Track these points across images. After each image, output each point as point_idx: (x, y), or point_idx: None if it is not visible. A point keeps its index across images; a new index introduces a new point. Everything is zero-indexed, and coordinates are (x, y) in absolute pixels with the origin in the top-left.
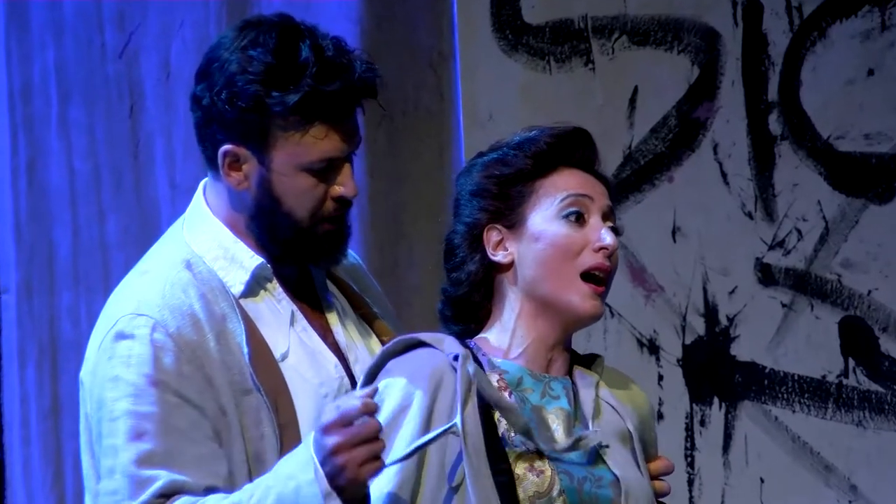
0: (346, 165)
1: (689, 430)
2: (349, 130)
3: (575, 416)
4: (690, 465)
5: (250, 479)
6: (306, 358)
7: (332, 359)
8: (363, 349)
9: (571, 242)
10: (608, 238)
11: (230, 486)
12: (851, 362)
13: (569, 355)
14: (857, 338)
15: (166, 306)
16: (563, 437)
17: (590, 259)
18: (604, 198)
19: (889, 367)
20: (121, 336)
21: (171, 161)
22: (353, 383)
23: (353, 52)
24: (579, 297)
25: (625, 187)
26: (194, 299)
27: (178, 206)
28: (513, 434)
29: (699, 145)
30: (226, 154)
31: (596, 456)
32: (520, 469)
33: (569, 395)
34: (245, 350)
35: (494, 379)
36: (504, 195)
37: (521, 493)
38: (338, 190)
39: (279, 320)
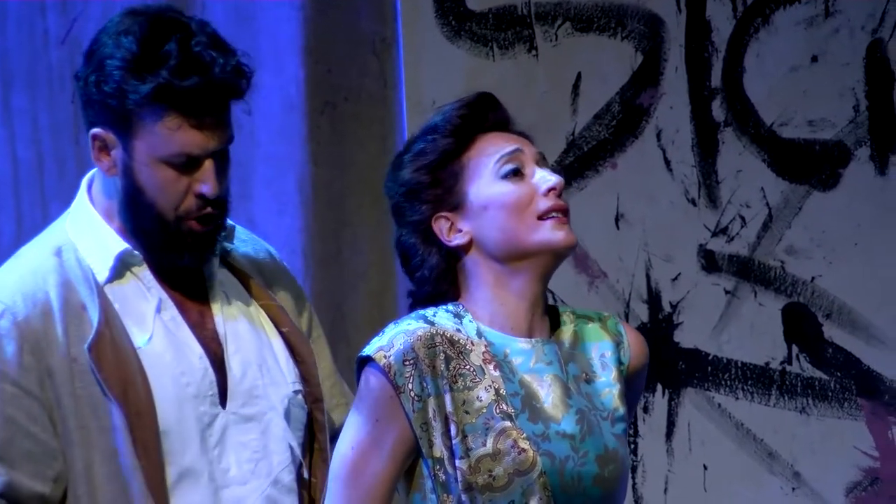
0: (208, 162)
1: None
2: (210, 127)
3: (567, 382)
4: (633, 451)
5: (89, 469)
6: (170, 347)
7: (198, 350)
8: (251, 339)
9: (519, 196)
10: (552, 178)
11: (63, 482)
12: (795, 349)
13: (547, 317)
14: (800, 324)
15: (20, 292)
16: (555, 405)
17: (543, 203)
18: (532, 147)
19: (833, 353)
20: None
21: None
22: (222, 374)
23: (227, 51)
24: (548, 232)
25: (568, 174)
26: (52, 287)
27: None
28: (501, 407)
29: (642, 132)
30: (94, 137)
31: (588, 426)
32: (502, 444)
33: (560, 360)
34: (90, 340)
35: (480, 350)
36: (437, 181)
37: (500, 469)
38: (197, 187)
39: (145, 307)
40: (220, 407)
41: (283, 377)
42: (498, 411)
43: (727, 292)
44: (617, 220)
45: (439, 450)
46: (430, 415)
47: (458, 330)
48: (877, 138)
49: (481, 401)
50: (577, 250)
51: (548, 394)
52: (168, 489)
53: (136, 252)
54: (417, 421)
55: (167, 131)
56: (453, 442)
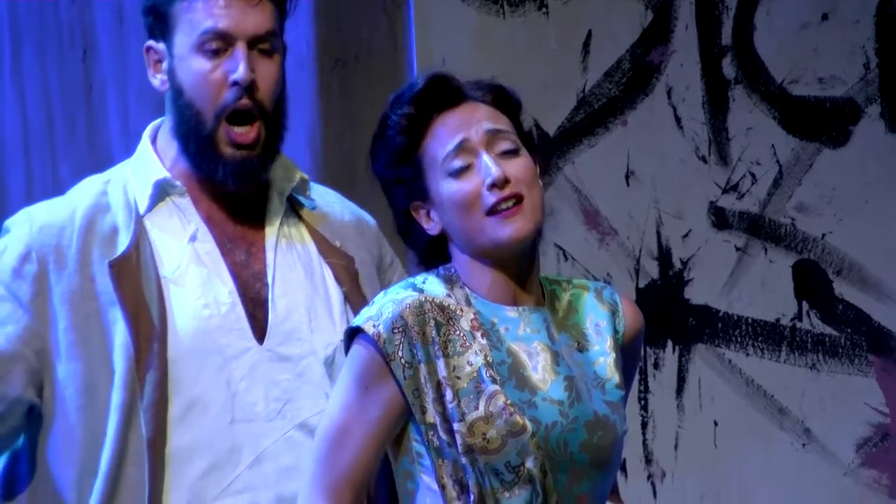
0: (240, 45)
1: (642, 373)
2: (240, 7)
3: (555, 349)
4: (644, 408)
5: (90, 381)
6: (198, 278)
7: (229, 284)
8: (304, 287)
9: (464, 195)
10: (492, 170)
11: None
12: (805, 305)
13: (538, 284)
14: (810, 281)
15: (47, 207)
16: (543, 373)
17: (488, 200)
18: (482, 125)
19: (843, 310)
20: (3, 230)
21: (124, 108)
22: (263, 312)
23: None
24: (495, 230)
25: (579, 131)
26: (82, 208)
27: (132, 149)
28: (490, 372)
29: (653, 89)
30: (147, 50)
31: (577, 393)
32: (493, 407)
33: (548, 328)
34: (113, 259)
35: (468, 319)
36: (401, 178)
37: (493, 432)
38: (230, 76)
39: (180, 236)
40: (253, 342)
41: (333, 328)
42: (488, 375)
43: (738, 249)
44: (627, 177)
45: (432, 416)
46: (422, 381)
47: (449, 295)
48: (887, 95)
49: (472, 365)
50: (587, 207)
51: (535, 362)
52: (171, 419)
53: (178, 182)
54: (409, 388)
55: (199, 10)
56: (450, 406)
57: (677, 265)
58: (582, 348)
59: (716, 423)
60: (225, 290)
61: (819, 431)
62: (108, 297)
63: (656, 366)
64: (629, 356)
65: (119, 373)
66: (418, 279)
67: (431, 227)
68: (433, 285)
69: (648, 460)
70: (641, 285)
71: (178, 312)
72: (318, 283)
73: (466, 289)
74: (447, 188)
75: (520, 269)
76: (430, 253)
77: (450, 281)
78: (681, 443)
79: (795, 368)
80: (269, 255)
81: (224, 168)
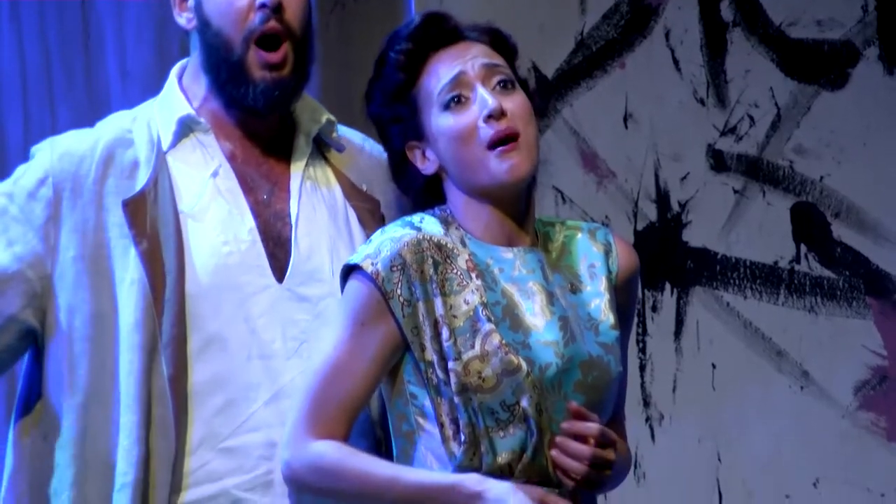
0: None
1: (640, 315)
2: None
3: (550, 290)
4: (642, 350)
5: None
6: (218, 214)
7: (249, 222)
8: (328, 227)
9: (461, 128)
10: (488, 101)
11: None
12: (803, 248)
13: (533, 225)
14: (809, 224)
15: (73, 139)
16: (538, 313)
17: (485, 133)
18: (479, 59)
19: (841, 253)
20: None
21: (122, 52)
22: (284, 251)
23: None
24: (493, 167)
25: (577, 74)
26: (103, 140)
27: (130, 93)
28: (485, 312)
29: (651, 32)
30: None
31: (571, 333)
32: (489, 346)
33: (543, 269)
34: (129, 196)
35: (464, 259)
36: (398, 116)
37: (488, 370)
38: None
39: (202, 172)
40: (273, 280)
41: None
42: (484, 314)
43: (736, 192)
44: (625, 119)
45: (430, 354)
46: (420, 319)
47: (445, 235)
48: (885, 38)
49: (468, 304)
50: (585, 150)
51: (530, 302)
52: (190, 355)
53: (202, 119)
54: (408, 326)
55: None
56: (446, 345)
57: (675, 208)
58: (575, 290)
59: (714, 366)
60: (245, 227)
61: (817, 374)
62: (121, 231)
63: (654, 309)
64: (625, 297)
65: (135, 310)
66: (415, 218)
67: (427, 166)
68: (430, 224)
69: (646, 403)
70: (640, 228)
71: (196, 248)
72: (341, 225)
73: (462, 230)
74: (443, 122)
75: (516, 210)
76: (425, 195)
77: (445, 221)
78: (679, 386)
79: (794, 311)
80: (293, 195)
81: (255, 91)
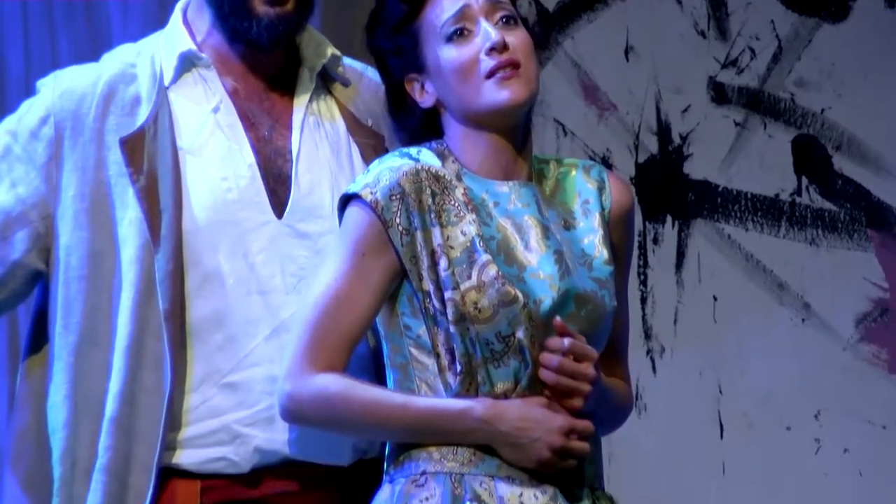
0: None
1: (642, 248)
2: None
3: (545, 224)
4: (643, 283)
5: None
6: (217, 150)
7: (249, 158)
8: (329, 164)
9: (464, 60)
10: (491, 35)
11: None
12: (804, 181)
13: (530, 161)
14: (810, 156)
15: (76, 75)
16: (533, 247)
17: (486, 64)
18: None
19: (842, 185)
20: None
21: None
22: (285, 187)
23: None
24: (493, 93)
25: (578, 6)
26: (105, 75)
27: (130, 24)
28: (482, 243)
29: None
30: None
31: (566, 267)
32: (485, 276)
33: (538, 203)
34: (127, 133)
35: (460, 192)
36: (399, 47)
37: (485, 301)
38: None
39: (202, 107)
40: (272, 216)
41: None
42: (481, 245)
43: (737, 124)
44: (626, 52)
45: (427, 283)
46: (418, 249)
47: (442, 167)
48: None
49: (465, 235)
50: (586, 82)
51: (525, 236)
52: (188, 291)
53: (203, 55)
54: (407, 255)
55: None
56: (444, 274)
57: (676, 140)
58: (569, 226)
59: (715, 299)
60: (245, 163)
61: (818, 306)
62: (120, 169)
63: (656, 241)
64: (620, 234)
65: (133, 247)
66: (412, 150)
67: (425, 99)
68: (427, 157)
69: (648, 336)
70: (641, 160)
71: (194, 184)
72: (343, 161)
73: (458, 163)
74: (445, 54)
75: (513, 141)
76: (422, 129)
77: (441, 155)
78: (680, 318)
79: (795, 243)
80: (295, 131)
81: (258, 26)
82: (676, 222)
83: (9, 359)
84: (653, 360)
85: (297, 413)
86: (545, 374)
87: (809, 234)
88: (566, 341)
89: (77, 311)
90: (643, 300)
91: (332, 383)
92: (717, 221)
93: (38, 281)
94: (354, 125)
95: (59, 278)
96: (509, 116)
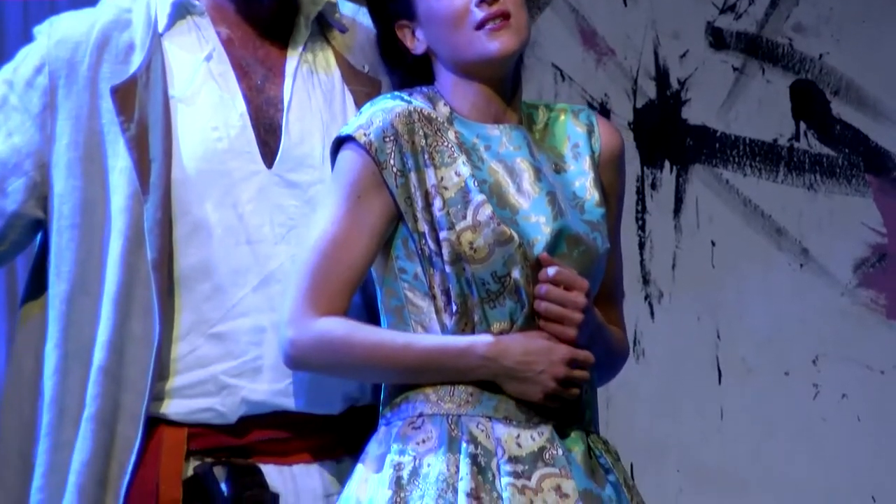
0: None
1: (640, 193)
2: None
3: (537, 166)
4: (642, 228)
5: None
6: (209, 99)
7: (241, 108)
8: (322, 113)
9: (454, 11)
10: None
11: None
12: (803, 126)
13: (520, 106)
14: (808, 101)
15: (70, 22)
16: (525, 190)
17: (477, 15)
18: None
19: (840, 130)
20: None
21: None
22: (275, 137)
23: None
24: (483, 44)
25: None
26: (100, 23)
27: None
28: (475, 182)
29: None
30: None
31: (559, 208)
32: (481, 216)
33: (529, 146)
34: (119, 82)
35: (452, 134)
36: None
37: (480, 241)
38: None
39: (195, 55)
40: (262, 166)
41: None
42: (475, 185)
43: (735, 69)
44: None
45: (422, 224)
46: (412, 190)
47: (434, 109)
48: None
49: (459, 175)
50: (584, 27)
51: (518, 179)
52: (177, 241)
53: (197, 2)
54: (401, 196)
55: None
56: (438, 214)
57: (675, 85)
58: (559, 170)
59: (713, 244)
60: (236, 112)
61: (817, 252)
62: (112, 117)
63: (654, 186)
64: (611, 177)
65: (122, 196)
66: (404, 93)
67: (416, 46)
68: (418, 100)
69: (646, 281)
70: (639, 106)
71: (185, 133)
72: (337, 110)
73: (448, 107)
74: (436, 3)
75: (503, 88)
76: (413, 74)
77: (432, 99)
78: (678, 263)
79: (793, 189)
80: (288, 80)
81: None
82: (675, 167)
83: (7, 304)
84: (651, 306)
85: (300, 359)
86: (535, 303)
87: (808, 180)
88: (553, 269)
89: (69, 259)
90: (641, 245)
91: (334, 327)
92: (715, 167)
93: (39, 230)
94: (350, 73)
95: (52, 227)
96: (499, 67)
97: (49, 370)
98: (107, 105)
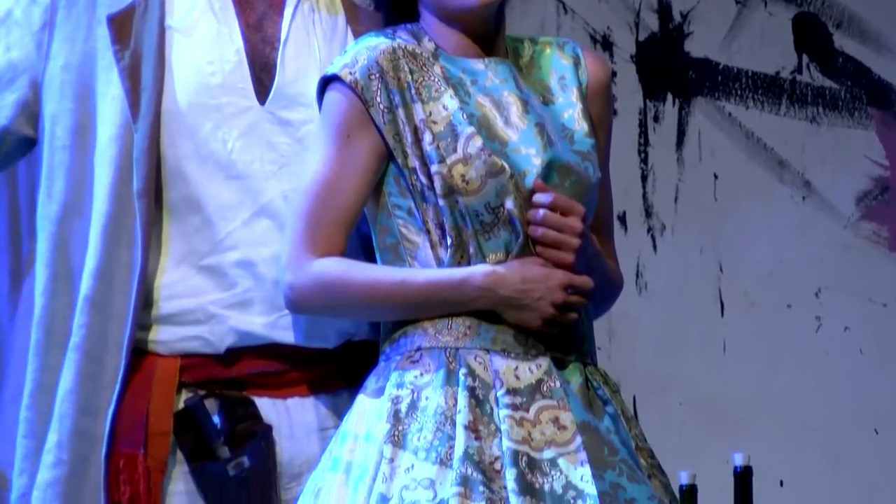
0: None
1: (642, 126)
2: None
3: (524, 98)
4: (644, 160)
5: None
6: (206, 33)
7: (237, 43)
8: (320, 52)
9: None
10: None
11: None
12: (805, 58)
13: (504, 41)
14: (810, 34)
15: None
16: (513, 122)
17: None
18: None
19: (843, 63)
20: None
21: None
22: (270, 75)
23: None
24: None
25: None
26: None
27: None
28: (464, 116)
29: None
30: None
31: (548, 139)
32: (471, 148)
33: (515, 78)
34: (116, 10)
35: (437, 69)
36: None
37: (472, 173)
38: None
39: None
40: (254, 102)
41: None
42: (464, 117)
43: (737, 2)
44: None
45: (412, 160)
46: (400, 126)
47: (419, 45)
48: None
49: (447, 109)
50: None
51: (505, 112)
52: (167, 173)
53: None
54: (389, 132)
55: None
56: (429, 148)
57: (677, 18)
58: (547, 102)
59: (716, 177)
60: (232, 48)
61: (819, 184)
62: (107, 44)
63: (656, 119)
64: (599, 108)
65: (114, 125)
66: (388, 31)
67: None
68: (403, 37)
69: (648, 213)
70: (641, 38)
71: (179, 65)
72: (336, 50)
73: (433, 43)
74: None
75: (487, 29)
76: (398, 12)
77: (417, 36)
78: (681, 196)
79: (795, 121)
80: (286, 17)
81: None
82: (677, 100)
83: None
84: (653, 238)
85: (300, 302)
86: (531, 229)
87: (810, 112)
88: (549, 195)
89: (60, 179)
90: (644, 178)
91: (331, 267)
92: (717, 99)
93: (30, 149)
94: (353, 12)
95: (44, 146)
96: (481, 15)
97: (38, 289)
98: (102, 31)
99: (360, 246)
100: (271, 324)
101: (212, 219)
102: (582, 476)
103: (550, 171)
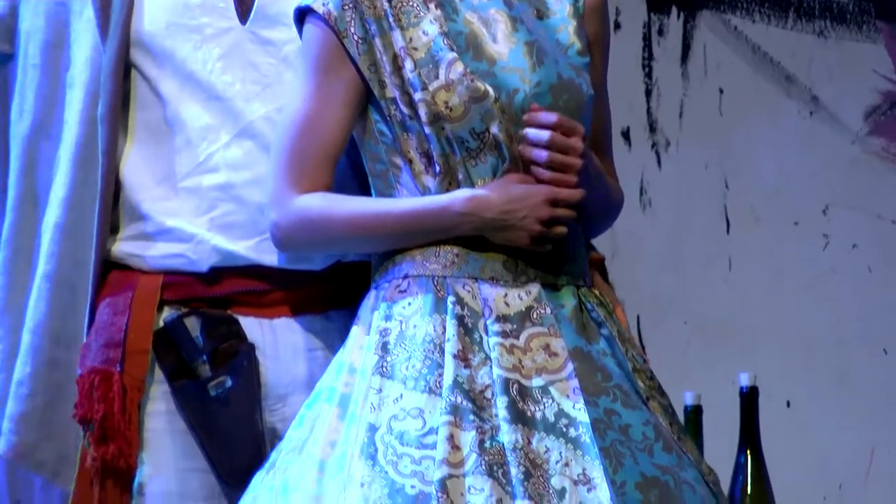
0: None
1: (646, 40)
2: None
3: (514, 15)
4: (648, 75)
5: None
6: None
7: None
8: None
9: None
10: None
11: None
12: None
13: None
14: None
15: None
16: (501, 40)
17: None
18: None
19: None
20: None
21: None
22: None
23: None
24: None
25: None
26: None
27: None
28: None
29: None
30: None
31: (539, 57)
32: (453, 74)
33: None
34: None
35: None
36: None
37: (455, 99)
38: None
39: None
40: (236, 22)
41: None
42: (445, 43)
43: None
44: None
45: (391, 90)
46: (377, 56)
47: None
48: None
49: (427, 35)
50: None
51: (492, 30)
52: (145, 93)
53: None
54: (364, 63)
55: None
56: (411, 76)
57: None
58: (542, 15)
59: (721, 91)
60: None
61: (826, 99)
62: None
63: (661, 32)
64: (596, 27)
65: (88, 47)
66: None
67: None
68: None
69: (653, 129)
70: None
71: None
72: None
73: None
74: None
75: None
76: None
77: None
78: (685, 111)
79: (803, 35)
80: None
81: None
82: (682, 13)
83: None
84: (658, 154)
85: (285, 239)
86: (536, 153)
87: (817, 26)
88: (552, 115)
89: (30, 98)
90: (648, 93)
91: (313, 203)
92: (723, 13)
93: (6, 63)
94: None
95: (18, 63)
96: None
97: (8, 206)
98: None
99: (354, 176)
100: (253, 247)
101: (192, 140)
102: (574, 404)
103: (542, 91)
